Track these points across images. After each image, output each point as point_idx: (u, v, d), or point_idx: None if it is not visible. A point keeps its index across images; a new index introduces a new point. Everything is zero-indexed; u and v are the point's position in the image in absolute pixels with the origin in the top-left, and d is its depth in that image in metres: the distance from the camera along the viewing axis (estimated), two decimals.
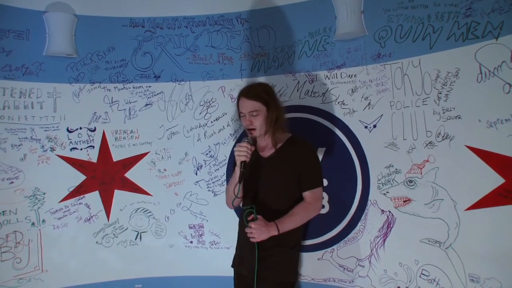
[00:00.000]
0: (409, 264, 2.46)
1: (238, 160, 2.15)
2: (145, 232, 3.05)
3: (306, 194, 2.22)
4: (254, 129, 2.20)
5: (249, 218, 2.11)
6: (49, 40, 2.82)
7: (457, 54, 2.25)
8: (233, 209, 2.52)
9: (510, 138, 2.07)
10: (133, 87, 3.02)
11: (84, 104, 2.96)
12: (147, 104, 3.04)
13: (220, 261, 2.96)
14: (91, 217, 2.97)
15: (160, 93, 3.03)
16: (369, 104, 2.61)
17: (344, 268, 2.70)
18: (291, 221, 2.14)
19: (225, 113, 2.99)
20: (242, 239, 2.33)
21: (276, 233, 2.07)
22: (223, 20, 2.96)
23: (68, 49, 2.84)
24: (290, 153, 2.24)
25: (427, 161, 2.38)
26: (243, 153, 2.13)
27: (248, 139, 2.19)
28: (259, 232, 2.05)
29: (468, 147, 2.22)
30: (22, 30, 2.77)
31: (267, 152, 2.29)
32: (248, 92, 2.22)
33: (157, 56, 3.02)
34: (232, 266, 2.46)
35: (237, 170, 2.17)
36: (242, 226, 2.26)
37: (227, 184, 2.79)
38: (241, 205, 2.35)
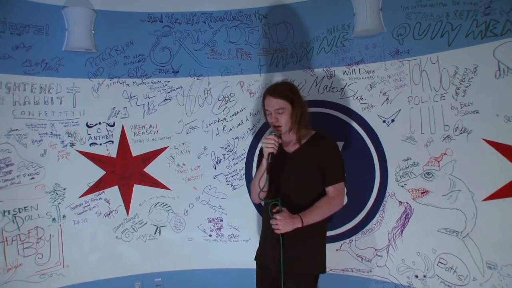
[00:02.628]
0: (426, 253, 2.55)
1: (266, 151, 2.20)
2: (164, 226, 3.08)
3: (329, 189, 2.26)
4: (280, 126, 2.25)
5: (274, 210, 2.15)
6: (68, 35, 2.81)
7: (476, 51, 2.33)
8: (258, 203, 2.56)
9: None
10: (152, 82, 3.03)
11: (103, 99, 2.96)
12: (166, 99, 3.05)
13: (239, 253, 3.03)
14: (111, 212, 2.99)
15: (178, 88, 3.05)
16: (387, 99, 2.68)
17: (362, 259, 2.79)
18: (315, 214, 2.19)
19: (244, 108, 3.03)
20: (266, 232, 2.36)
21: (300, 225, 2.12)
22: (241, 15, 2.99)
23: (87, 44, 2.83)
24: (315, 148, 2.29)
25: (445, 154, 2.47)
26: (270, 145, 2.18)
27: (275, 133, 2.24)
28: (284, 223, 2.09)
29: (486, 140, 2.31)
30: (41, 25, 2.76)
31: (292, 148, 2.33)
32: (274, 91, 2.27)
33: (175, 51, 3.03)
34: (255, 259, 2.48)
35: (264, 162, 2.23)
36: (266, 219, 2.29)
37: (252, 178, 2.84)
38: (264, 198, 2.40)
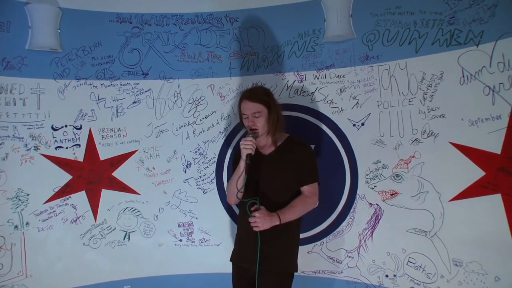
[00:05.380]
0: (396, 253, 2.63)
1: (244, 152, 2.24)
2: (133, 231, 3.00)
3: (304, 189, 2.35)
4: (256, 129, 2.31)
5: (252, 209, 2.21)
6: (32, 33, 2.69)
7: (442, 58, 2.43)
8: (235, 204, 2.57)
9: (490, 135, 2.27)
10: (121, 84, 2.96)
11: (70, 101, 2.86)
12: (135, 102, 2.99)
13: (210, 258, 3.00)
14: (78, 218, 2.88)
15: (148, 90, 3.00)
16: (357, 103, 2.75)
17: (334, 260, 2.83)
18: (291, 213, 2.26)
19: (214, 111, 3.01)
20: (243, 232, 2.40)
21: (277, 223, 2.17)
22: (212, 18, 2.98)
23: (53, 43, 2.72)
24: (290, 151, 2.37)
25: (413, 156, 2.56)
26: (249, 146, 2.23)
27: (252, 135, 2.29)
28: (263, 220, 2.14)
29: (452, 143, 2.41)
30: (1, 21, 2.62)
31: (268, 150, 2.40)
32: (250, 95, 2.34)
33: (145, 53, 2.97)
34: (231, 260, 2.49)
35: (242, 163, 2.27)
36: (243, 218, 2.33)
37: (223, 182, 2.88)
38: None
